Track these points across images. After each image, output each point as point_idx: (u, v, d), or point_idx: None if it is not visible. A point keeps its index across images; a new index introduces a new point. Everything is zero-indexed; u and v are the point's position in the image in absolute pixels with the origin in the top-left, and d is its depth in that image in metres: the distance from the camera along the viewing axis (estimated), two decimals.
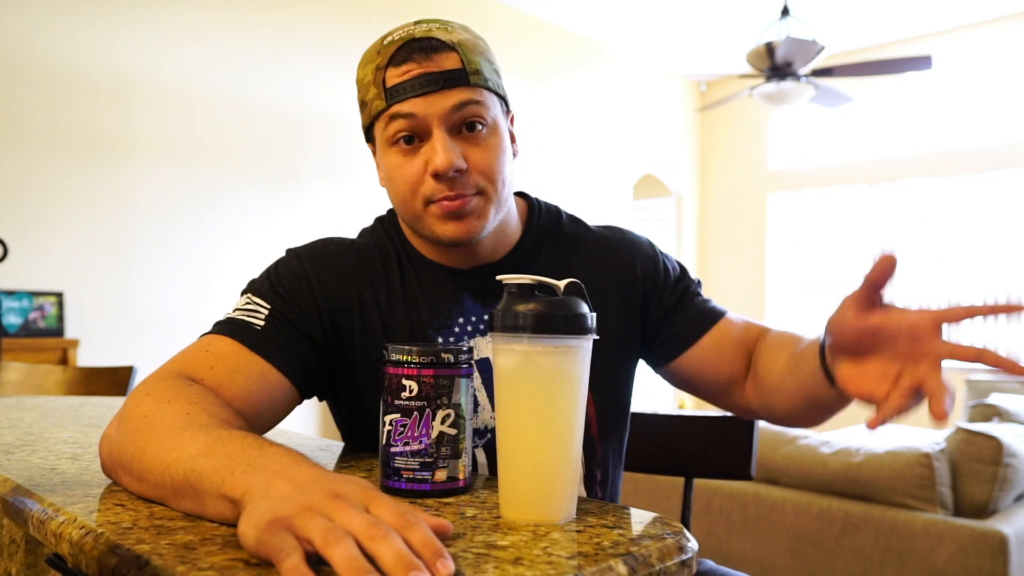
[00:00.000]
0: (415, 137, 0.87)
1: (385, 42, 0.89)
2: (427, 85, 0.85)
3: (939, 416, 0.62)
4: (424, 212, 0.89)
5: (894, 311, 0.69)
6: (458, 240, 0.89)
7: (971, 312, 0.65)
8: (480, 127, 0.88)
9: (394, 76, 0.86)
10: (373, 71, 0.88)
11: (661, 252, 1.06)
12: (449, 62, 0.86)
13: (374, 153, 0.96)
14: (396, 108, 0.86)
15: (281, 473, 0.56)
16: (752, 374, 0.99)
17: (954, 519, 2.12)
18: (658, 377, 1.07)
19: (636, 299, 1.01)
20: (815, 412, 0.89)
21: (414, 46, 0.86)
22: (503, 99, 0.93)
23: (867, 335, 0.70)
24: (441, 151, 0.85)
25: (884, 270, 0.66)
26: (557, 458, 0.65)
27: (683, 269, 1.07)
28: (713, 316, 1.01)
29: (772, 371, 0.93)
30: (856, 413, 5.86)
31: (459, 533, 0.60)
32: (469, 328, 0.94)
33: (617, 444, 1.03)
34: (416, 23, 0.89)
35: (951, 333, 0.68)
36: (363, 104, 0.91)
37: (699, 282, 1.06)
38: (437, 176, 0.86)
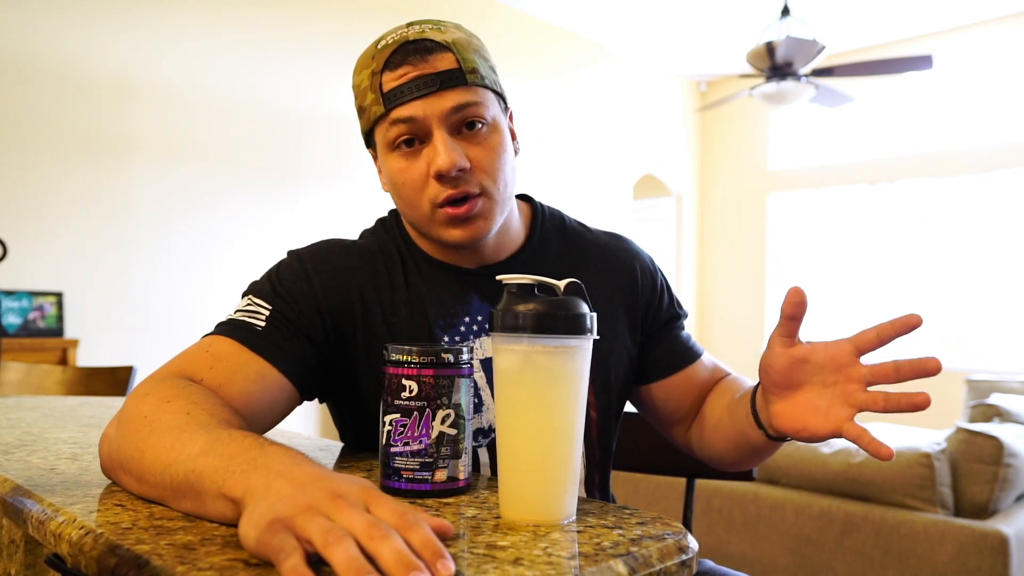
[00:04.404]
0: (416, 140, 0.87)
1: (379, 46, 0.88)
2: (424, 87, 0.84)
3: (885, 455, 0.72)
4: (432, 216, 0.88)
5: (816, 345, 0.76)
6: (465, 243, 0.90)
7: (880, 334, 0.73)
8: (480, 126, 0.88)
9: (391, 80, 0.86)
10: (369, 76, 0.88)
11: (660, 271, 1.07)
12: (445, 62, 0.86)
13: (375, 158, 0.96)
14: (395, 113, 0.86)
15: (281, 473, 0.56)
16: (699, 415, 1.03)
17: (954, 519, 2.12)
18: None
19: (638, 309, 1.02)
20: (747, 454, 0.93)
21: (409, 48, 0.85)
22: (501, 96, 0.93)
23: (796, 365, 0.77)
24: (443, 151, 0.84)
25: (795, 303, 0.74)
26: (557, 458, 0.65)
27: (676, 298, 1.09)
28: (690, 356, 1.04)
29: (714, 412, 0.98)
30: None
31: (459, 533, 0.60)
32: (475, 328, 0.94)
33: (611, 448, 1.04)
34: (408, 25, 0.89)
35: (867, 357, 0.76)
36: (361, 110, 0.91)
37: (686, 315, 1.08)
38: (441, 177, 0.86)
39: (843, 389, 0.75)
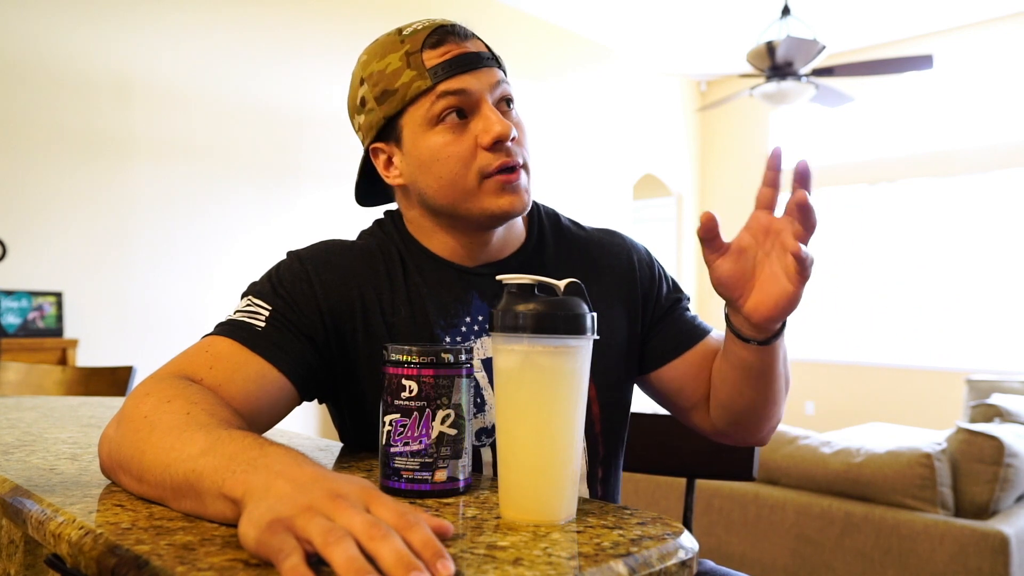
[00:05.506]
0: (465, 110, 0.89)
1: (405, 32, 0.91)
2: (473, 63, 0.89)
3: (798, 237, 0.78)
4: (478, 188, 0.89)
5: (739, 234, 0.83)
6: (510, 213, 0.91)
7: (768, 181, 0.81)
8: (512, 105, 0.93)
9: (434, 57, 0.88)
10: (403, 57, 0.89)
11: (657, 261, 1.08)
12: (478, 46, 0.91)
13: (377, 153, 0.95)
14: (445, 85, 0.88)
15: (281, 473, 0.56)
16: (710, 389, 1.02)
17: (955, 519, 2.12)
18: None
19: (637, 301, 1.02)
20: (755, 384, 0.92)
21: (446, 29, 0.90)
22: None
23: (738, 261, 0.82)
24: (498, 120, 0.88)
25: (707, 227, 0.79)
26: (557, 458, 0.65)
27: (675, 282, 1.09)
28: (700, 333, 1.03)
29: (715, 371, 0.98)
30: (859, 414, 5.85)
31: (459, 533, 0.60)
32: (476, 327, 0.94)
33: (619, 443, 1.04)
34: (430, 21, 0.93)
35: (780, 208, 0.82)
36: (386, 93, 0.90)
37: (688, 297, 1.08)
38: (496, 144, 0.88)
39: (778, 244, 0.81)
